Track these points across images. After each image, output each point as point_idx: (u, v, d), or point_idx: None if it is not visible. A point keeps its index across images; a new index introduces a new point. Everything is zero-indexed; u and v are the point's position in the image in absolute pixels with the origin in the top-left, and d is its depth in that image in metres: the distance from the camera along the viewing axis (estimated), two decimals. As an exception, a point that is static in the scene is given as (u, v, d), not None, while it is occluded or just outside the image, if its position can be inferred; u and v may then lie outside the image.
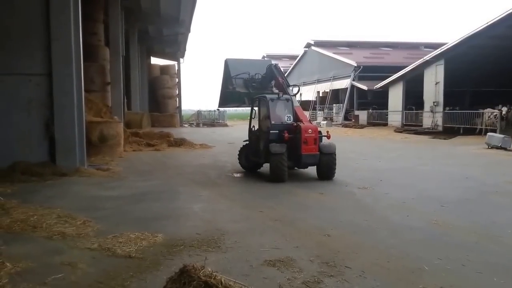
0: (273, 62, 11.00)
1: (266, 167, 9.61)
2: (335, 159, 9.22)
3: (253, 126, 10.46)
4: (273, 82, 10.74)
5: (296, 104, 10.03)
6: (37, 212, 6.10)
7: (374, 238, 5.18)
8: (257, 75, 10.88)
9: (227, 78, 11.07)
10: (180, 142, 16.86)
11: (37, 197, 7.25)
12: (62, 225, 5.54)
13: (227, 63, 11.24)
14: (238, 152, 10.80)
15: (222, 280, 2.70)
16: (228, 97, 11.37)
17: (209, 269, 2.78)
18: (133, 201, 7.26)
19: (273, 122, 9.26)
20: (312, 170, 9.61)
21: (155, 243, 4.88)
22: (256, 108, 10.24)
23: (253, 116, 10.44)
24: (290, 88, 10.47)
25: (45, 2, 9.75)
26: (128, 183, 8.94)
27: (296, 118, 9.58)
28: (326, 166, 9.17)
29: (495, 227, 5.74)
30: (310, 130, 9.04)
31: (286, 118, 9.48)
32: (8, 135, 9.67)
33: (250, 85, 10.80)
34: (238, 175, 10.19)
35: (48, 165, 9.63)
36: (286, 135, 9.00)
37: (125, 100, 22.63)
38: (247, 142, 10.55)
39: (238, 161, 10.73)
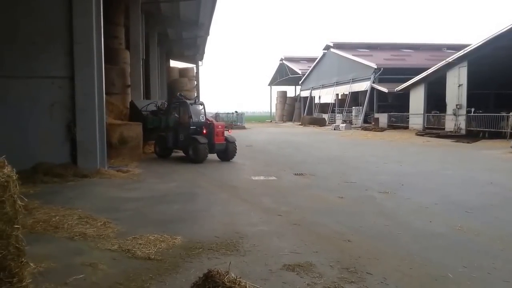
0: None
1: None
2: (236, 146, 13.03)
3: (177, 124, 13.45)
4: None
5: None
6: (59, 212, 6.20)
7: (396, 244, 5.07)
8: (163, 104, 15.35)
9: (139, 113, 14.70)
10: (198, 145, 16.92)
11: (58, 198, 7.37)
12: (83, 226, 5.61)
13: (134, 103, 15.58)
14: (154, 144, 14.27)
15: (247, 286, 2.66)
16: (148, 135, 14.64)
17: (233, 275, 2.74)
18: (152, 202, 7.31)
19: (192, 120, 12.72)
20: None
21: (174, 245, 4.89)
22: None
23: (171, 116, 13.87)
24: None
25: (68, 7, 9.95)
26: (147, 185, 9.01)
27: (206, 119, 13.17)
28: (230, 151, 12.89)
29: (523, 234, 5.55)
30: (220, 126, 12.85)
31: (201, 117, 13.09)
32: (31, 137, 9.88)
33: (159, 112, 14.60)
34: (256, 178, 10.16)
35: (70, 167, 9.80)
36: (205, 130, 12.53)
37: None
38: (162, 134, 13.65)
39: (154, 151, 14.11)
